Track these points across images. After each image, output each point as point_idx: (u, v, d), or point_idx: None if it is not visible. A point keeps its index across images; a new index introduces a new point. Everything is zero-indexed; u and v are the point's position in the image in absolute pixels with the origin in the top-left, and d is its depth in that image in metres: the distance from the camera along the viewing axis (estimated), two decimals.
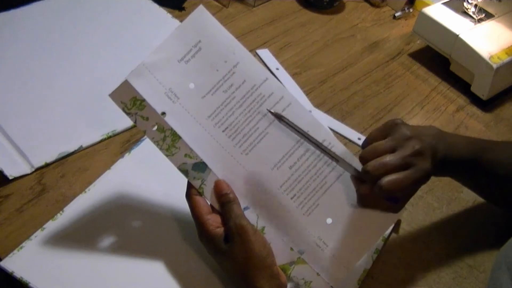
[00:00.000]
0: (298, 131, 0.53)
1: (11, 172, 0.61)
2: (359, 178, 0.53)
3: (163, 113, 0.52)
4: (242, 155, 0.53)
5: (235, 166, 0.53)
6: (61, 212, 0.58)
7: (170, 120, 0.52)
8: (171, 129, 0.52)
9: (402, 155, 0.50)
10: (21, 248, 0.54)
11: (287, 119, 0.53)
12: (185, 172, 0.53)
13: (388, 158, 0.49)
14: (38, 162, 0.63)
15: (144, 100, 0.52)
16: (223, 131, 0.53)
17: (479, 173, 0.60)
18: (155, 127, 0.52)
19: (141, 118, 0.52)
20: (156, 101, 0.52)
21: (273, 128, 0.53)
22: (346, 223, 0.54)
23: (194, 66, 0.53)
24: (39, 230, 0.56)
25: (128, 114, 0.52)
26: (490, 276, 0.50)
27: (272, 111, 0.53)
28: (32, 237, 0.56)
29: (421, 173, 0.50)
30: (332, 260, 0.54)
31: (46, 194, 0.61)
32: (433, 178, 0.71)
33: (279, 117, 0.53)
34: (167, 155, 0.52)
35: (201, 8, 0.53)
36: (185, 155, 0.53)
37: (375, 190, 0.49)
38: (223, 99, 0.53)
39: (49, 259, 0.54)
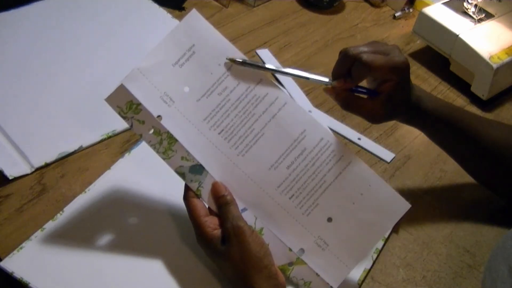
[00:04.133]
0: (265, 68, 0.54)
1: (11, 172, 0.62)
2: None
3: (159, 117, 0.52)
4: (239, 156, 0.53)
5: (232, 167, 0.53)
6: (61, 212, 0.58)
7: (166, 123, 0.52)
8: (167, 132, 0.52)
9: (379, 47, 0.54)
10: (21, 248, 0.54)
11: (249, 61, 0.53)
12: (182, 175, 0.53)
13: (366, 48, 0.53)
14: (38, 162, 0.63)
15: (140, 104, 0.52)
16: (219, 134, 0.53)
17: (463, 142, 0.62)
18: (152, 131, 0.52)
19: (137, 122, 0.52)
20: (151, 104, 0.52)
21: (269, 128, 0.54)
22: (347, 222, 0.54)
23: (188, 69, 0.53)
24: (39, 230, 0.56)
25: (124, 118, 0.52)
26: (486, 267, 0.50)
27: (228, 59, 0.53)
28: (32, 237, 0.56)
29: (398, 59, 0.54)
30: (333, 260, 0.54)
31: (46, 194, 0.61)
32: (432, 179, 0.72)
33: (239, 63, 0.53)
34: (164, 158, 0.53)
35: (194, 12, 0.54)
36: (182, 158, 0.53)
37: (354, 67, 0.52)
38: (218, 101, 0.53)
39: (49, 259, 0.54)
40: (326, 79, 0.55)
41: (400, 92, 0.56)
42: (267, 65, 0.54)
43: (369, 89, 0.57)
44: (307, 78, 0.55)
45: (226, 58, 0.53)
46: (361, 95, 0.57)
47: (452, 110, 0.63)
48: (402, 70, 0.54)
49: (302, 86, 0.82)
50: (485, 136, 0.62)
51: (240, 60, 0.53)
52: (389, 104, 0.56)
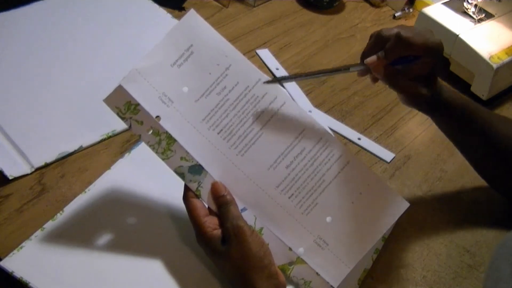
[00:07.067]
0: (302, 76, 0.55)
1: (11, 172, 0.62)
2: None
3: (158, 117, 0.52)
4: (238, 156, 0.53)
5: (231, 167, 0.53)
6: (61, 212, 0.58)
7: (165, 123, 0.52)
8: (166, 133, 0.52)
9: (412, 29, 0.53)
10: (21, 248, 0.54)
11: (285, 77, 0.54)
12: (181, 175, 0.53)
13: (401, 28, 0.53)
14: (38, 162, 0.63)
15: (138, 104, 0.52)
16: (218, 133, 0.53)
17: (474, 134, 0.62)
18: (150, 131, 0.52)
19: (136, 123, 0.52)
20: (150, 105, 0.52)
21: (268, 128, 0.54)
22: (346, 221, 0.54)
23: (187, 70, 0.53)
24: (39, 230, 0.56)
25: (122, 118, 0.52)
26: (488, 267, 0.50)
27: (266, 81, 0.54)
28: (32, 237, 0.56)
29: (434, 40, 0.53)
30: (333, 259, 0.54)
31: (46, 194, 0.61)
32: (432, 179, 0.72)
33: (278, 80, 0.54)
34: (163, 159, 0.53)
35: (192, 12, 0.54)
36: (181, 158, 0.53)
37: (390, 44, 0.52)
38: (217, 101, 0.53)
39: (49, 259, 0.54)
40: (361, 65, 0.55)
41: (436, 74, 0.56)
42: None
43: (408, 56, 0.54)
44: (348, 69, 0.55)
45: (263, 82, 0.54)
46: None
47: (465, 101, 0.62)
48: (438, 51, 0.54)
49: (302, 86, 0.82)
50: (496, 130, 0.62)
51: (271, 79, 0.54)
52: (430, 84, 0.56)
